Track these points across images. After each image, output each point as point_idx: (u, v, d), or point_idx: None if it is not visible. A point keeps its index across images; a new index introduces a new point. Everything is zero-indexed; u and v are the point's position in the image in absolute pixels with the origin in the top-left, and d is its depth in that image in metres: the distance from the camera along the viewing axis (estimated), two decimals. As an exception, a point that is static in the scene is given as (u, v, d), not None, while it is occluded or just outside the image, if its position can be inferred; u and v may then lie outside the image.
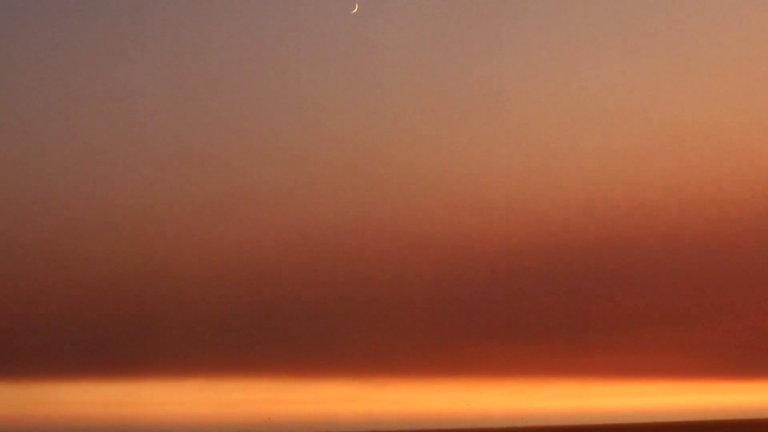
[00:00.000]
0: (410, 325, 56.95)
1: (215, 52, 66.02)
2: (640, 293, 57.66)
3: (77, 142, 64.39)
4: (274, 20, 64.80)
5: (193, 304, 56.75)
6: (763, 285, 55.98)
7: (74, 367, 61.58)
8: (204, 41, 65.87)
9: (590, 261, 58.07)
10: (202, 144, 64.27)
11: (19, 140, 64.11)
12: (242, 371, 63.60)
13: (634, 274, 58.15)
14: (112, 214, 60.61)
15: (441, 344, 59.69)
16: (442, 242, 58.80)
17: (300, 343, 59.14)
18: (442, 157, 64.26)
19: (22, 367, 59.69)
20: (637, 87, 65.14)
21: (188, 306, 56.88)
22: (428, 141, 64.80)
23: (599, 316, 59.35)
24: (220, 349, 57.84)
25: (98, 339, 57.28)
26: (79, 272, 58.37)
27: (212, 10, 64.21)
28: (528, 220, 58.81)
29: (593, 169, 62.42)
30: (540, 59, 65.97)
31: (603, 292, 58.18)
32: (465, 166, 63.49)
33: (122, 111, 64.77)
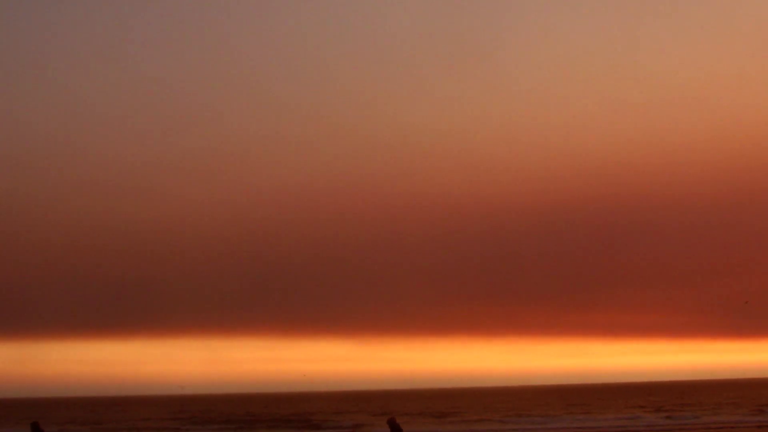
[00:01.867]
0: (406, 284, 56.71)
1: (212, 7, 65.38)
2: (636, 252, 57.40)
3: (67, 96, 63.82)
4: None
5: (186, 262, 56.45)
6: (760, 244, 55.73)
7: (68, 326, 61.28)
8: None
9: (584, 219, 57.79)
10: (196, 99, 63.75)
11: (8, 94, 63.54)
12: (238, 330, 63.31)
13: (628, 232, 57.88)
14: (104, 170, 60.17)
15: (436, 304, 59.48)
16: (437, 200, 58.48)
17: (296, 302, 58.90)
18: (436, 115, 63.77)
19: (17, 327, 59.42)
20: (632, 43, 64.58)
21: (182, 264, 56.58)
22: (422, 98, 64.27)
23: (594, 275, 59.10)
24: (215, 308, 57.61)
25: (92, 298, 57.00)
26: (69, 230, 58.02)
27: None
28: (522, 178, 58.45)
29: (588, 127, 62.01)
30: (533, 17, 65.37)
31: (598, 251, 57.91)
32: (460, 123, 63.03)
33: (114, 62, 64.11)
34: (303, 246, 58.26)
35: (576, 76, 65.67)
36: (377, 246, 58.19)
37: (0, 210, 57.29)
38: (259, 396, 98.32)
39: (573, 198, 57.07)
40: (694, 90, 62.54)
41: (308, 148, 61.60)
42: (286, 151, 62.36)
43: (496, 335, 66.78)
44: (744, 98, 62.20)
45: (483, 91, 63.94)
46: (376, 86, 64.42)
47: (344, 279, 58.25)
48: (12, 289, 56.80)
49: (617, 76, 64.75)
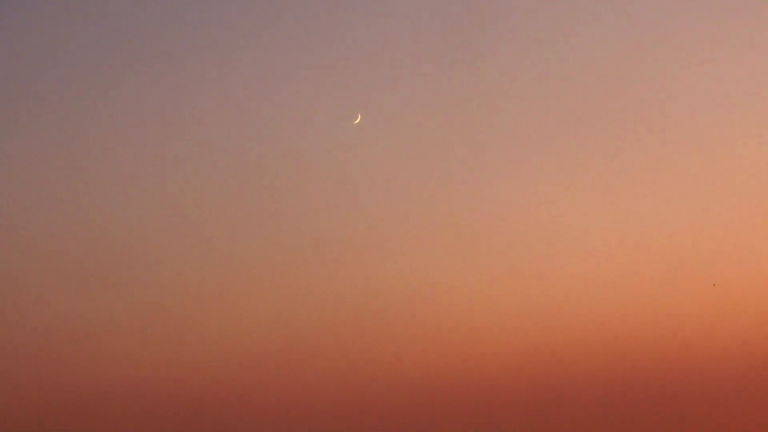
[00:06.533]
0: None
1: (167, 158, 61.85)
2: (635, 428, 52.97)
3: (12, 248, 59.57)
4: (264, 126, 60.85)
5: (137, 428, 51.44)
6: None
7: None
8: (179, 150, 61.75)
9: (578, 395, 53.37)
10: (151, 254, 59.59)
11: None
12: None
13: (625, 408, 53.53)
14: (52, 329, 55.61)
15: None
16: (417, 370, 54.02)
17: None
18: (425, 284, 59.85)
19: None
20: (620, 213, 61.28)
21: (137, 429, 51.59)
22: (412, 268, 60.42)
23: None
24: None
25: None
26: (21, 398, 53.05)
27: (195, 121, 60.21)
28: (509, 352, 54.18)
29: (577, 299, 58.11)
30: (512, 189, 62.11)
31: (594, 427, 53.46)
32: (444, 292, 59.05)
33: (63, 213, 60.18)
34: (266, 413, 53.46)
35: (563, 246, 62.12)
36: (349, 416, 53.49)
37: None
38: None
39: (565, 373, 52.69)
40: (688, 259, 58.90)
41: (276, 313, 57.19)
42: (251, 316, 57.88)
43: None
44: (744, 267, 58.56)
45: (477, 260, 60.09)
46: (360, 256, 60.53)
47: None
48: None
49: (607, 247, 61.16)
